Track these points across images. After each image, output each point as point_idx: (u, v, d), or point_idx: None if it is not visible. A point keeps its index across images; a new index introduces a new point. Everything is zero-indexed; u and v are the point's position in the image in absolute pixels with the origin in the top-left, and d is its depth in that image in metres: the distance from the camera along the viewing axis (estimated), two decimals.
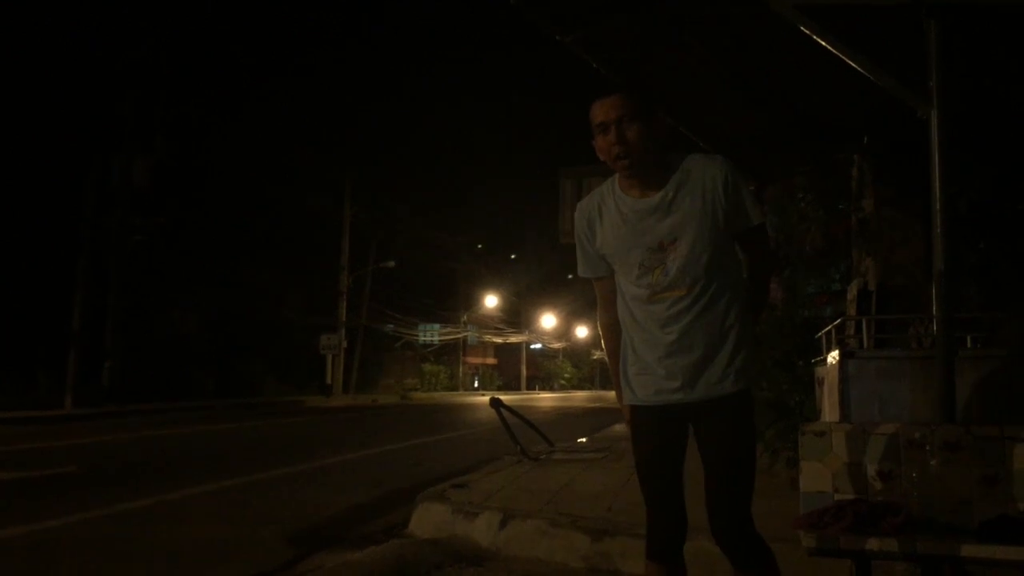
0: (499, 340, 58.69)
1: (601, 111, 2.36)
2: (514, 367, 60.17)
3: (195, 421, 15.98)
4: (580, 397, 43.64)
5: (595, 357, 64.55)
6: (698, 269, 2.35)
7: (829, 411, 4.60)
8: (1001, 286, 5.91)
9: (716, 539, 2.40)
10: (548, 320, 63.42)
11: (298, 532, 5.21)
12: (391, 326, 41.79)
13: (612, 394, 2.60)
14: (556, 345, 67.25)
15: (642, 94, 2.41)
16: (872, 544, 2.50)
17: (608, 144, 2.36)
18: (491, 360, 62.52)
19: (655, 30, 4.85)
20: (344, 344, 33.64)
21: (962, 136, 5.07)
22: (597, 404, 24.77)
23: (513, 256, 61.93)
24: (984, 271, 5.93)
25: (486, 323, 56.52)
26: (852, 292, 6.23)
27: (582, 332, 67.64)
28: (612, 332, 2.61)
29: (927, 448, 2.81)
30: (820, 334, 5.29)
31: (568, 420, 18.85)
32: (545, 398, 40.77)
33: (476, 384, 56.00)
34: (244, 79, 28.35)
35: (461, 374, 51.94)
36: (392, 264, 37.81)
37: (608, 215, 2.49)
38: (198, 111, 24.70)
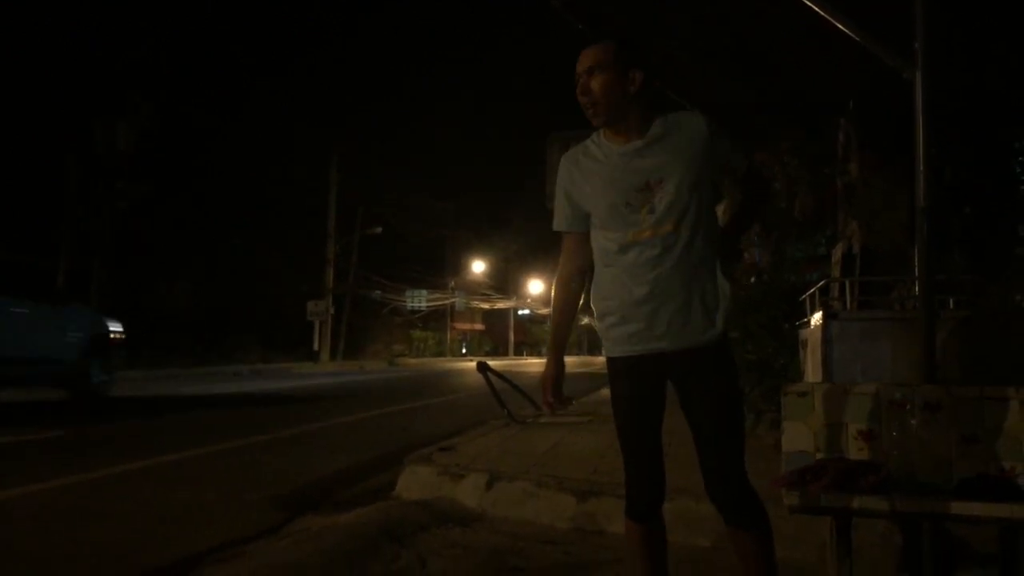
0: (487, 306, 58.73)
1: (578, 62, 2.40)
2: (502, 333, 60.27)
3: (181, 387, 15.95)
4: (567, 362, 43.39)
5: (583, 323, 64.63)
6: (684, 209, 2.34)
7: (812, 372, 4.64)
8: (984, 251, 5.95)
9: (713, 496, 2.41)
10: (536, 286, 63.42)
11: (285, 495, 5.24)
12: (378, 292, 41.71)
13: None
14: (544, 311, 67.28)
15: (621, 47, 2.39)
16: (852, 501, 2.53)
17: (577, 93, 2.40)
18: (479, 326, 62.55)
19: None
20: (331, 311, 33.58)
21: (963, 132, 5.09)
22: (584, 369, 24.91)
23: (500, 221, 61.78)
24: (968, 237, 5.97)
25: (474, 289, 56.51)
26: (836, 255, 6.27)
27: None
28: (570, 285, 2.62)
29: (908, 408, 2.83)
30: (804, 296, 5.32)
31: None
32: (533, 363, 40.84)
33: (464, 350, 56.05)
34: (232, 58, 27.97)
35: (449, 340, 52.00)
36: (379, 230, 37.67)
37: (591, 162, 2.48)
38: (188, 89, 24.47)
